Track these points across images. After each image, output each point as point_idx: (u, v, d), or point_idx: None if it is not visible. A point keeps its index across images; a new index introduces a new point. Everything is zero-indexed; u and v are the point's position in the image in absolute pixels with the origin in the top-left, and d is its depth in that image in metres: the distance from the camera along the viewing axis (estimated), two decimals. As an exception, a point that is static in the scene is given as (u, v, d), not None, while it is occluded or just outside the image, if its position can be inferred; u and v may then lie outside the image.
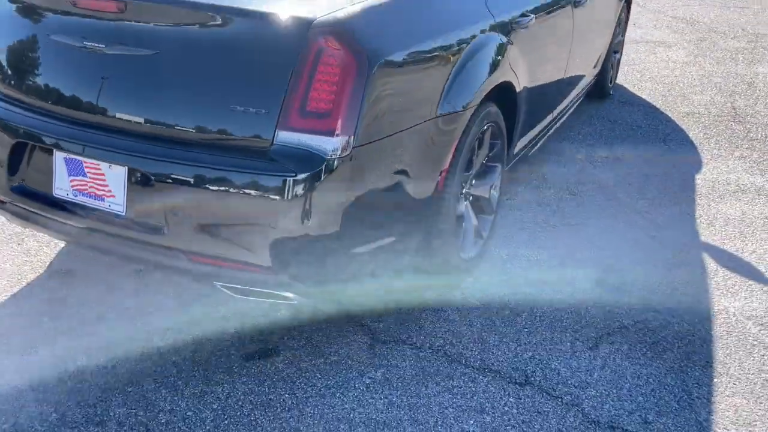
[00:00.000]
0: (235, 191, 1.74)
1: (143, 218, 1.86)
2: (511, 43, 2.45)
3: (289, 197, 1.71)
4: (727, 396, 2.00)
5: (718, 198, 3.26)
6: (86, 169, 1.92)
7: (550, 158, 3.64)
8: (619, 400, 1.97)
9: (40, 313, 2.27)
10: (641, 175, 3.52)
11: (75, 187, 1.95)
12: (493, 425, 1.86)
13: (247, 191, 1.73)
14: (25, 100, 2.03)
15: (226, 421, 1.85)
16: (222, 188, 1.75)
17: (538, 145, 3.26)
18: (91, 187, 1.92)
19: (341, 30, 1.71)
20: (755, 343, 2.23)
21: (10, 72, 2.08)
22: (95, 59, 1.90)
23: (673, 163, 3.68)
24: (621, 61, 5.01)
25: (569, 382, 2.04)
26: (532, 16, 2.63)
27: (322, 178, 1.71)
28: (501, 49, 2.34)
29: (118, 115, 1.87)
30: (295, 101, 1.70)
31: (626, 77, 5.20)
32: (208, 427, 1.82)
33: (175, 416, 1.86)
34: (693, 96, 4.82)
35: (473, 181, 2.49)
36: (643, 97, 4.83)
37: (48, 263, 2.55)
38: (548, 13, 2.86)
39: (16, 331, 2.18)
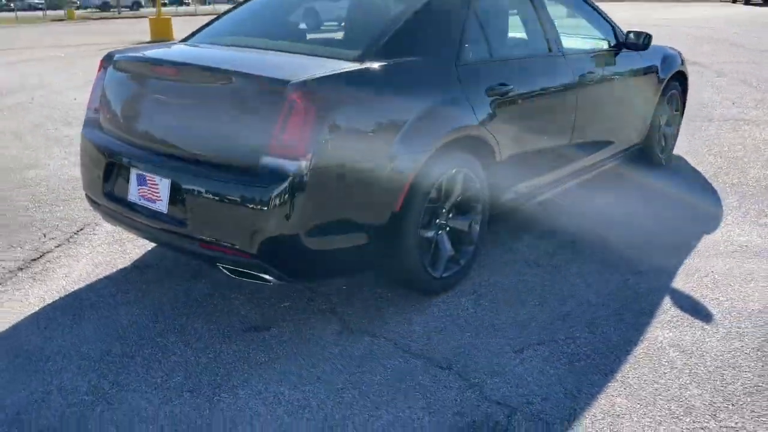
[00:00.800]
0: (232, 197, 2.50)
1: (175, 215, 2.67)
2: (485, 108, 3.05)
3: (266, 202, 2.43)
4: (611, 395, 2.38)
5: (713, 255, 3.53)
6: (147, 181, 2.78)
7: (568, 208, 4.09)
8: (516, 387, 2.42)
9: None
10: (646, 230, 3.86)
11: (140, 194, 2.82)
12: (404, 388, 2.40)
13: (239, 198, 2.49)
14: (115, 132, 2.97)
15: (218, 364, 2.55)
16: (224, 195, 2.52)
17: (541, 197, 3.74)
18: (149, 193, 2.78)
19: (306, 90, 2.45)
20: (665, 363, 2.57)
21: (107, 113, 3.04)
22: (156, 106, 2.79)
23: (689, 222, 3.96)
24: (694, 136, 5.31)
25: (482, 371, 2.52)
26: (511, 86, 3.22)
27: (288, 190, 2.43)
28: (463, 112, 2.94)
29: (167, 143, 2.73)
30: (274, 137, 2.44)
31: (693, 150, 5.48)
32: (203, 365, 2.53)
33: (184, 358, 2.59)
34: (751, 170, 5.00)
35: (450, 216, 3.07)
36: (699, 168, 5.08)
37: (135, 258, 3.47)
38: (542, 89, 3.44)
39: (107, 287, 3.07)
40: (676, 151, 5.42)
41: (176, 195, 2.65)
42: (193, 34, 3.52)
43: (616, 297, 3.07)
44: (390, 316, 2.91)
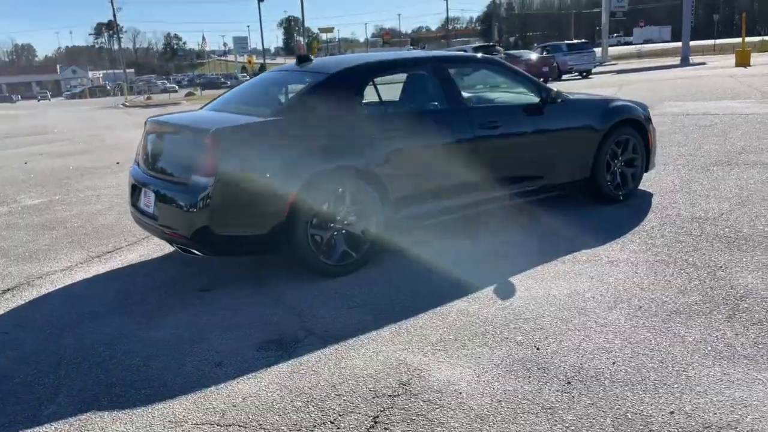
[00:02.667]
0: (178, 201, 4.12)
1: (155, 214, 4.35)
2: (371, 148, 4.39)
3: (195, 203, 4.02)
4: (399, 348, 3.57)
5: (556, 262, 4.46)
6: (147, 194, 4.51)
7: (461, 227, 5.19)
8: (327, 324, 3.69)
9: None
10: (514, 244, 4.85)
11: (145, 203, 4.56)
12: (257, 318, 3.77)
13: (180, 202, 4.10)
14: (141, 166, 4.73)
15: (178, 303, 4.12)
16: (174, 200, 4.14)
17: (440, 219, 4.90)
18: (147, 201, 4.50)
19: (216, 135, 4.02)
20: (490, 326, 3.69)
21: (140, 154, 4.85)
22: (156, 147, 4.54)
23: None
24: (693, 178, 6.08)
25: (314, 314, 3.82)
26: (397, 133, 4.53)
27: (203, 197, 3.99)
28: (345, 151, 4.31)
29: (157, 170, 4.44)
30: (198, 163, 4.04)
31: (672, 188, 6.20)
32: (175, 305, 4.12)
33: (163, 302, 4.21)
34: (700, 207, 5.65)
35: (345, 222, 4.42)
36: (650, 205, 5.80)
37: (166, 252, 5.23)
38: (432, 135, 4.68)
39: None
40: (657, 188, 6.17)
41: (156, 201, 4.34)
42: (212, 101, 5.28)
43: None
44: (298, 285, 4.29)
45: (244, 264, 4.80)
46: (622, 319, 3.50)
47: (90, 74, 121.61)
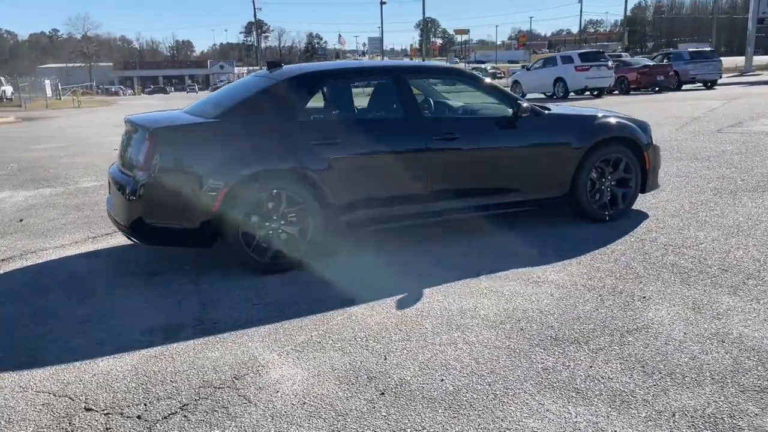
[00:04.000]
0: (122, 192, 4.50)
1: (110, 204, 4.76)
2: (308, 153, 4.55)
3: (132, 195, 4.39)
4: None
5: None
6: (111, 188, 4.93)
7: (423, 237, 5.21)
8: (228, 311, 3.92)
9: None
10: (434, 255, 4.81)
11: (109, 197, 4.99)
12: (166, 297, 4.07)
13: (125, 193, 4.47)
14: (118, 162, 5.16)
15: (108, 296, 4.52)
16: (120, 191, 4.52)
17: (389, 226, 4.97)
18: (109, 196, 4.93)
19: (153, 134, 4.36)
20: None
21: (119, 152, 5.29)
22: (125, 145, 4.96)
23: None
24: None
25: (218, 306, 4.06)
26: (338, 140, 4.66)
27: (139, 189, 4.35)
28: (281, 154, 4.51)
29: (124, 166, 4.85)
30: (140, 159, 4.40)
31: (670, 212, 5.91)
32: (98, 299, 4.52)
33: (96, 287, 4.62)
34: (682, 234, 5.36)
35: (282, 222, 4.63)
36: (637, 227, 5.56)
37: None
38: (378, 144, 4.77)
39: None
40: (659, 210, 5.90)
41: (111, 194, 4.75)
42: (195, 102, 5.65)
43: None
44: (226, 278, 4.55)
45: (206, 253, 5.06)
46: (493, 338, 3.46)
47: (236, 70, 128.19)
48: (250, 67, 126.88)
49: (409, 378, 3.06)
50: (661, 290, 4.06)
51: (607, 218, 5.67)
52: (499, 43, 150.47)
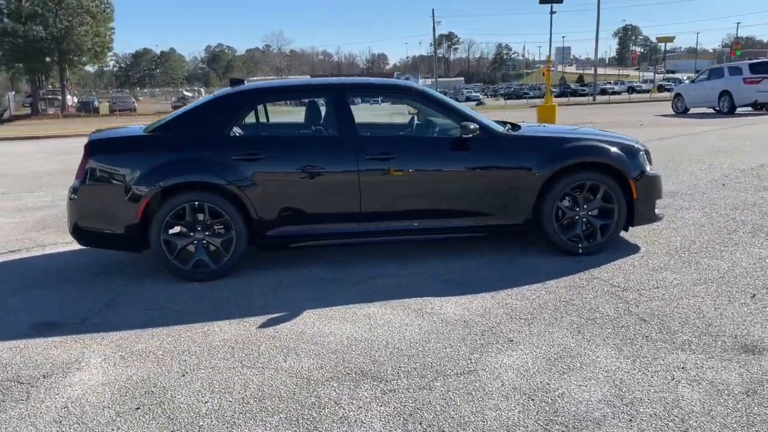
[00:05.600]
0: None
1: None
2: (229, 167, 4.70)
3: (68, 202, 4.83)
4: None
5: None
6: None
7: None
8: (113, 319, 4.19)
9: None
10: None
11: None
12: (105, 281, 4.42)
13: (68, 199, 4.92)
14: None
15: (40, 290, 5.00)
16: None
17: (319, 243, 4.95)
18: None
19: (89, 144, 4.76)
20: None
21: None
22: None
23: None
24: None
25: (117, 309, 4.33)
26: (262, 156, 4.75)
27: (76, 196, 4.77)
28: (202, 167, 4.69)
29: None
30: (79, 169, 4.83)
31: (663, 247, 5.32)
32: (35, 293, 5.01)
33: (43, 282, 5.12)
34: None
35: (206, 233, 4.82)
36: (617, 261, 5.01)
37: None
38: (304, 161, 4.79)
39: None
40: (658, 245, 5.34)
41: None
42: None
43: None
44: (156, 283, 4.84)
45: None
46: (296, 366, 3.36)
47: (420, 81, 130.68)
48: (440, 79, 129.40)
49: (182, 397, 3.08)
50: (540, 334, 3.66)
51: (581, 251, 5.15)
52: (710, 50, 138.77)
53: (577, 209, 5.13)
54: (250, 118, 5.05)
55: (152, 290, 4.69)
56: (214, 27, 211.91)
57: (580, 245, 5.14)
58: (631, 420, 2.75)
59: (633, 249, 5.31)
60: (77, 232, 4.86)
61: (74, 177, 4.87)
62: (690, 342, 3.51)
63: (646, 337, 3.60)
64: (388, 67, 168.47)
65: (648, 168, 5.29)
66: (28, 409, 3.01)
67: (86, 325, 4.08)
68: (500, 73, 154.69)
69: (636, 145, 5.30)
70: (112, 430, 2.80)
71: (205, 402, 3.02)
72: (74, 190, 4.78)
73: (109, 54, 66.77)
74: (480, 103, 55.31)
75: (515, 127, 5.61)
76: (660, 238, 5.60)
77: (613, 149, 5.12)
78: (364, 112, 5.16)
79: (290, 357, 3.48)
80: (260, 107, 5.11)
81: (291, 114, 5.85)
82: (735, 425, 2.68)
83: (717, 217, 6.19)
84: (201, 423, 2.83)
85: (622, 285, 4.46)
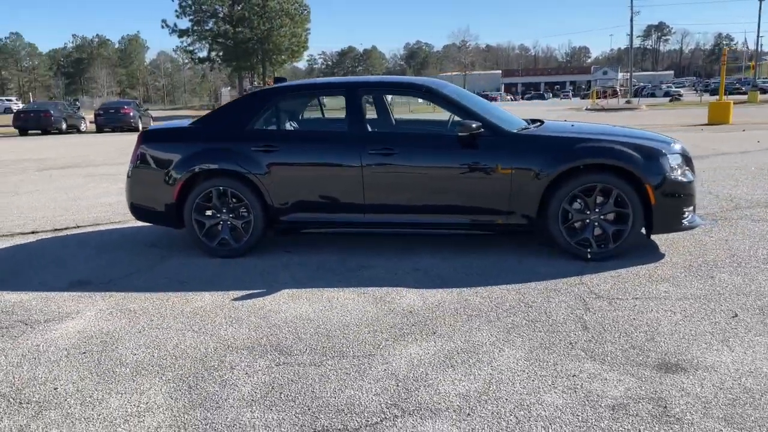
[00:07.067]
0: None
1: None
2: (249, 158, 5.26)
3: (128, 179, 5.70)
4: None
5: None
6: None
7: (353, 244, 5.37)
8: (113, 280, 4.94)
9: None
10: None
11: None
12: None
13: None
14: None
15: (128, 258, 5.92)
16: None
17: (325, 231, 5.34)
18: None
19: (142, 135, 5.56)
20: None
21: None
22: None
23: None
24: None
25: (127, 283, 5.08)
26: (277, 148, 5.25)
27: (130, 176, 5.63)
28: (225, 157, 5.29)
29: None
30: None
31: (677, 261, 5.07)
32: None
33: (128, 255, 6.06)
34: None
35: (231, 216, 5.44)
36: (625, 269, 4.86)
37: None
38: (315, 154, 5.22)
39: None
40: (687, 258, 5.08)
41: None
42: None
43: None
44: (182, 255, 5.57)
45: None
46: (230, 334, 3.77)
47: (620, 75, 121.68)
48: (642, 72, 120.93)
49: (122, 348, 3.65)
50: (467, 331, 3.75)
51: (589, 256, 5.01)
52: None
53: (588, 212, 4.99)
54: (272, 114, 5.55)
55: (178, 262, 5.38)
56: (413, 25, 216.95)
57: (589, 250, 4.99)
58: (469, 414, 2.82)
59: (655, 257, 5.04)
60: (133, 208, 5.71)
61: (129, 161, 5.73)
62: (610, 353, 3.40)
63: (571, 344, 3.54)
64: (588, 60, 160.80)
65: (678, 173, 4.97)
66: (11, 344, 3.75)
67: (109, 285, 4.83)
68: (718, 66, 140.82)
69: (661, 149, 5.00)
70: (55, 366, 3.43)
71: (134, 354, 3.55)
72: (129, 172, 5.61)
73: (305, 53, 71.57)
74: (674, 99, 51.35)
75: (540, 125, 5.56)
76: (699, 248, 5.24)
77: (628, 151, 4.89)
78: (402, 108, 5.38)
79: (232, 326, 3.92)
80: (282, 104, 5.59)
81: (317, 110, 6.26)
82: (562, 433, 2.65)
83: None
84: (117, 371, 3.36)
85: (602, 293, 4.31)
